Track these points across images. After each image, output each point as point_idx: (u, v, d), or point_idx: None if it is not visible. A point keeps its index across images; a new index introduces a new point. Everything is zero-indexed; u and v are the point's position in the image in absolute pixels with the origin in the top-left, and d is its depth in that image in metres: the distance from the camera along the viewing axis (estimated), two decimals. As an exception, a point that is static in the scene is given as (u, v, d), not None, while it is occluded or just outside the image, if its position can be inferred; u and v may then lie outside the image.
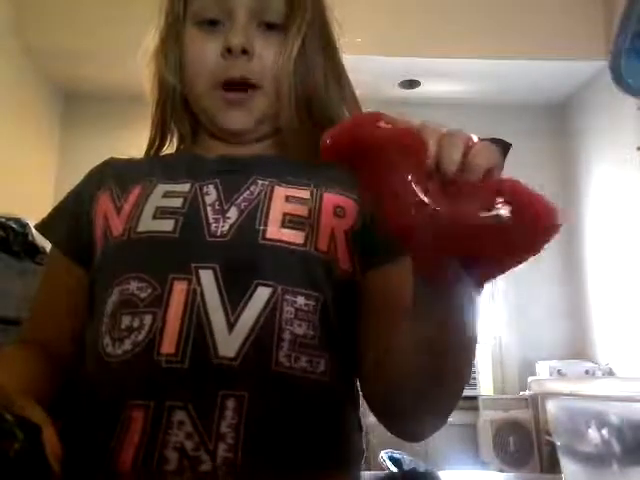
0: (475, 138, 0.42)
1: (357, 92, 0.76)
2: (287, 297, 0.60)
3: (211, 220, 0.63)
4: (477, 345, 0.53)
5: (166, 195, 0.66)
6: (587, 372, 3.11)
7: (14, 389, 0.51)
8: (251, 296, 0.59)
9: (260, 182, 0.66)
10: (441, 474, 0.70)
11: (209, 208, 0.64)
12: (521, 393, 3.32)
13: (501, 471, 2.98)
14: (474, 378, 3.32)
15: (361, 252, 0.64)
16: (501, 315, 3.55)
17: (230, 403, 0.55)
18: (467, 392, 3.21)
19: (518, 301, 3.51)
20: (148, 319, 0.58)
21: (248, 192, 0.65)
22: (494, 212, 0.39)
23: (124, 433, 0.55)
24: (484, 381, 3.47)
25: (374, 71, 2.90)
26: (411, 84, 3.43)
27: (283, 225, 0.63)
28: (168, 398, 0.55)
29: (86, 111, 3.52)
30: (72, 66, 3.23)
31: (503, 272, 0.43)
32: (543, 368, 3.24)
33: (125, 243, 0.64)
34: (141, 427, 0.55)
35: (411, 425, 0.61)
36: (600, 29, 3.00)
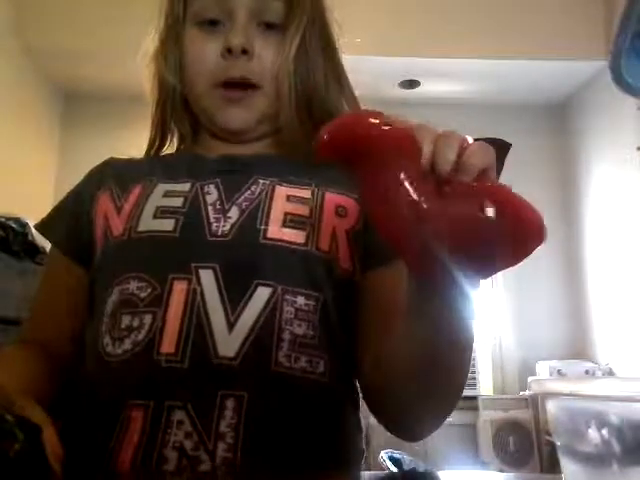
0: (470, 139, 0.42)
1: (357, 92, 0.76)
2: (287, 297, 0.60)
3: (212, 220, 0.63)
4: (474, 345, 0.52)
5: (166, 195, 0.66)
6: (587, 372, 3.11)
7: (14, 389, 0.51)
8: (251, 296, 0.59)
9: (261, 182, 0.66)
10: (441, 474, 0.71)
11: (210, 207, 0.64)
12: (521, 393, 3.32)
13: (501, 471, 2.98)
14: (474, 378, 3.32)
15: (360, 252, 0.64)
16: (501, 315, 3.55)
17: (229, 403, 0.55)
18: (467, 392, 3.20)
19: (518, 301, 3.51)
20: (148, 319, 0.58)
21: (249, 192, 0.65)
22: (484, 215, 0.39)
23: (123, 433, 0.55)
24: (484, 381, 3.47)
25: (374, 71, 2.90)
26: (411, 84, 3.43)
27: (284, 225, 0.63)
28: (167, 398, 0.55)
29: (86, 111, 3.52)
30: (72, 66, 3.23)
31: (490, 274, 0.43)
32: (543, 368, 3.24)
33: (125, 243, 0.64)
34: (140, 427, 0.55)
35: (410, 425, 0.61)
36: (600, 29, 2.99)
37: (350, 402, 0.65)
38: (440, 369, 0.52)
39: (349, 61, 0.76)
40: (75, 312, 0.68)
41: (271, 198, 0.64)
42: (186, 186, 0.66)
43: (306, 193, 0.65)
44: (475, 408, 3.21)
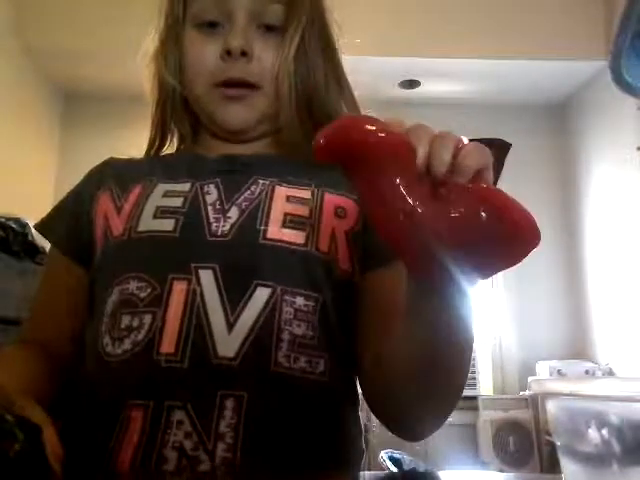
0: (465, 139, 0.42)
1: (357, 92, 0.76)
2: (286, 297, 0.60)
3: (212, 220, 0.63)
4: (473, 345, 0.53)
5: (166, 194, 0.66)
6: (587, 372, 3.11)
7: (14, 389, 0.51)
8: (251, 296, 0.59)
9: (261, 182, 0.66)
10: (441, 474, 0.71)
11: (210, 207, 0.64)
12: (521, 393, 3.32)
13: (501, 471, 2.98)
14: (474, 378, 3.32)
15: (360, 253, 0.64)
16: (501, 315, 3.56)
17: (229, 403, 0.55)
18: (467, 392, 3.20)
19: (518, 301, 3.51)
20: (148, 319, 0.58)
21: (249, 192, 0.65)
22: (477, 218, 0.39)
23: (123, 433, 0.55)
24: (484, 381, 3.47)
25: (374, 71, 2.90)
26: (411, 84, 3.43)
27: (284, 225, 0.63)
28: (167, 398, 0.55)
29: (86, 111, 3.52)
30: (72, 66, 3.23)
31: (487, 275, 0.43)
32: (543, 368, 3.24)
33: (125, 243, 0.64)
34: (140, 427, 0.55)
35: (410, 425, 0.61)
36: (600, 29, 2.99)
37: (350, 402, 0.65)
38: (440, 370, 0.52)
39: (349, 61, 0.76)
40: (75, 312, 0.68)
41: (271, 198, 0.64)
42: (186, 186, 0.66)
43: (306, 194, 0.65)
44: (475, 408, 3.21)
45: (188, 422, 0.54)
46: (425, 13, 3.12)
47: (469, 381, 3.26)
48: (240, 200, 0.64)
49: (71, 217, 0.71)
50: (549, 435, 2.88)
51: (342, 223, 0.65)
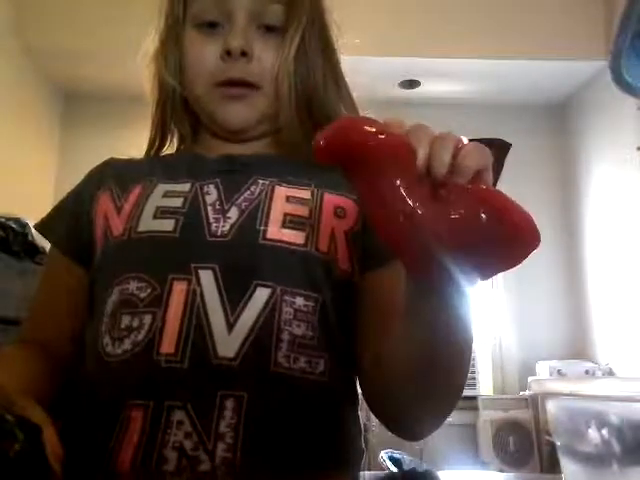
0: (465, 139, 0.42)
1: (357, 93, 0.76)
2: (286, 298, 0.60)
3: (211, 220, 0.63)
4: (472, 345, 0.52)
5: (166, 195, 0.66)
6: (587, 372, 3.11)
7: (14, 389, 0.51)
8: (250, 297, 0.59)
9: (261, 182, 0.66)
10: (441, 474, 0.70)
11: (209, 208, 0.64)
12: (521, 393, 3.32)
13: (501, 471, 2.98)
14: (474, 378, 3.32)
15: (359, 253, 0.64)
16: (501, 315, 3.56)
17: (229, 403, 0.55)
18: (467, 392, 3.20)
19: (518, 301, 3.51)
20: (148, 319, 0.58)
21: (249, 192, 0.65)
22: (477, 219, 0.39)
23: (123, 433, 0.55)
24: (484, 381, 3.47)
25: (374, 71, 2.90)
26: (411, 84, 3.43)
27: (284, 225, 0.63)
28: (167, 398, 0.55)
29: (86, 111, 3.52)
30: (72, 66, 3.23)
31: (486, 277, 0.43)
32: (543, 368, 3.24)
33: (125, 243, 0.64)
34: (140, 427, 0.55)
35: (410, 425, 0.61)
36: (600, 29, 3.00)
37: (349, 402, 0.65)
38: (438, 370, 0.52)
39: (349, 61, 0.76)
40: (75, 312, 0.68)
41: (270, 198, 0.64)
42: (186, 186, 0.66)
43: (305, 194, 0.65)
44: (475, 408, 3.22)
45: (188, 422, 0.54)
46: (425, 13, 3.12)
47: (469, 381, 3.26)
48: (240, 200, 0.64)
49: (71, 217, 0.71)
50: (549, 435, 2.88)
51: (342, 223, 0.65)
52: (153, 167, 0.72)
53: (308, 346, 0.60)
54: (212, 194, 0.65)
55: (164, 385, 0.56)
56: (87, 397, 0.60)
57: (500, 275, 3.58)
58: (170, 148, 0.78)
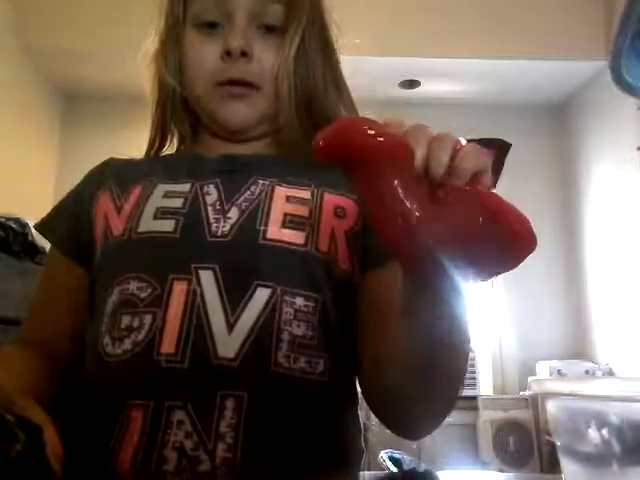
0: (464, 141, 0.42)
1: (357, 93, 0.76)
2: (286, 298, 0.60)
3: (212, 220, 0.63)
4: (469, 346, 0.53)
5: (167, 195, 0.66)
6: (587, 372, 3.11)
7: (14, 389, 0.51)
8: (251, 297, 0.59)
9: (261, 182, 0.66)
10: (441, 474, 0.70)
11: (210, 208, 0.64)
12: (521, 393, 3.32)
13: (501, 471, 2.98)
14: (474, 378, 3.32)
15: (359, 253, 0.64)
16: (501, 315, 3.56)
17: (229, 403, 0.55)
18: (467, 392, 3.21)
19: (518, 301, 3.51)
20: (148, 319, 0.58)
21: (249, 192, 0.65)
22: (474, 222, 0.39)
23: (123, 433, 0.55)
24: (484, 381, 3.47)
25: (374, 71, 2.90)
26: (411, 84, 3.43)
27: (284, 225, 0.63)
28: (167, 398, 0.55)
29: (86, 111, 3.52)
30: (72, 66, 3.23)
31: (484, 279, 0.44)
32: (543, 368, 3.24)
33: (125, 243, 0.64)
34: (140, 427, 0.55)
35: (409, 424, 0.62)
36: (600, 29, 3.00)
37: (349, 402, 0.65)
38: (436, 370, 0.52)
39: (349, 61, 0.76)
40: (75, 312, 0.68)
41: (271, 199, 0.64)
42: (186, 187, 0.66)
43: (305, 194, 0.65)
44: (475, 408, 3.21)
45: (188, 422, 0.54)
46: (425, 13, 3.12)
47: (469, 381, 3.26)
48: (240, 200, 0.64)
49: (71, 217, 0.71)
50: (549, 435, 2.88)
51: (342, 223, 0.65)
52: (153, 167, 0.72)
53: (308, 346, 0.60)
54: (212, 194, 0.65)
55: (164, 385, 0.56)
56: (87, 397, 0.60)
57: (500, 275, 3.56)
58: (170, 148, 0.78)
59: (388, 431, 0.63)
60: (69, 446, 0.48)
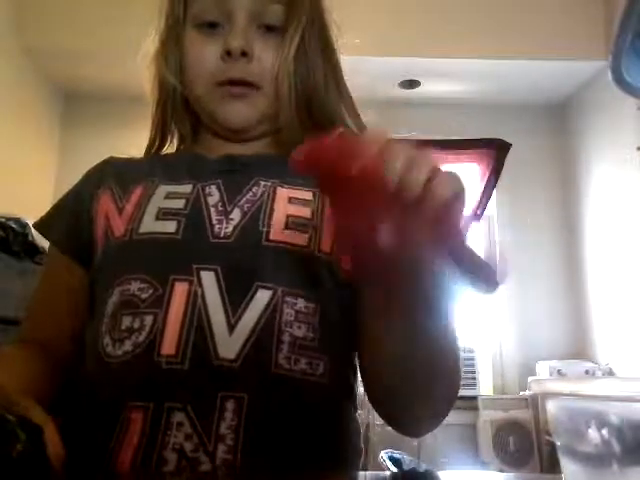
0: (441, 166, 0.40)
1: (357, 93, 0.76)
2: (287, 299, 0.60)
3: (214, 221, 0.63)
4: (458, 348, 0.55)
5: (168, 196, 0.66)
6: (587, 372, 3.11)
7: (14, 389, 0.51)
8: (252, 298, 0.59)
9: (262, 183, 0.66)
10: (441, 474, 0.70)
11: (212, 209, 0.64)
12: (521, 393, 3.32)
13: (501, 471, 2.98)
14: (474, 378, 3.32)
15: None
16: (501, 315, 3.55)
17: (230, 404, 0.55)
18: (467, 392, 3.21)
19: (518, 301, 3.51)
20: (149, 320, 0.58)
21: (251, 193, 0.65)
22: (439, 252, 0.40)
23: (123, 434, 0.55)
24: (484, 381, 3.46)
25: (374, 71, 2.90)
26: (411, 84, 3.43)
27: (286, 227, 0.63)
28: (167, 399, 0.55)
29: (86, 111, 3.52)
30: (72, 66, 3.23)
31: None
32: (543, 368, 3.24)
33: (127, 244, 0.64)
34: (140, 428, 0.55)
35: (409, 422, 0.62)
36: (600, 29, 3.00)
37: (348, 402, 0.65)
38: (427, 376, 0.54)
39: (349, 61, 0.76)
40: (75, 311, 0.68)
41: (273, 200, 0.64)
42: (187, 187, 0.66)
43: (307, 195, 0.65)
44: (475, 408, 3.21)
45: (188, 424, 0.54)
46: (425, 13, 3.12)
47: (469, 381, 3.26)
48: (242, 202, 0.64)
49: (71, 216, 0.71)
50: (549, 435, 2.88)
51: (343, 224, 0.65)
52: (153, 167, 0.72)
53: (309, 347, 0.60)
54: (214, 195, 0.65)
55: (164, 386, 0.56)
56: (87, 398, 0.60)
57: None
58: (170, 148, 0.78)
59: (390, 431, 0.63)
60: (69, 446, 0.48)
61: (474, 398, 3.23)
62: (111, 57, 2.92)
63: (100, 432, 0.56)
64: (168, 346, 0.57)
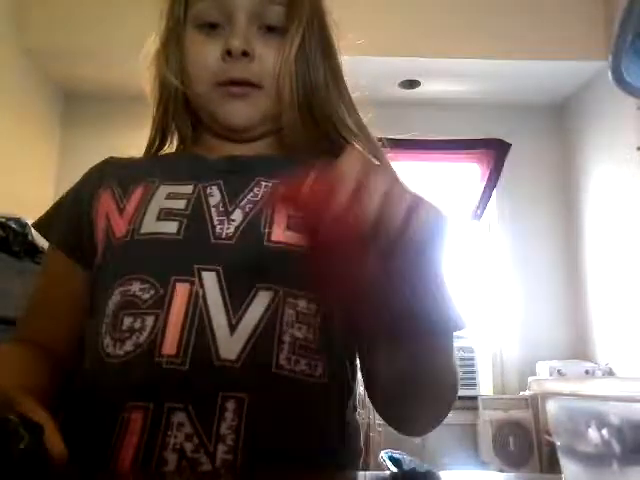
0: (421, 200, 0.40)
1: (358, 92, 0.76)
2: (289, 300, 0.60)
3: (216, 222, 0.63)
4: (453, 350, 0.56)
5: (169, 197, 0.66)
6: (587, 372, 3.11)
7: (14, 387, 0.51)
8: (253, 299, 0.59)
9: (263, 184, 0.66)
10: (441, 474, 0.70)
11: (213, 210, 0.64)
12: (521, 393, 3.32)
13: (501, 471, 2.98)
14: (474, 378, 3.32)
15: None
16: (501, 315, 3.55)
17: (230, 405, 0.55)
18: (467, 392, 3.21)
19: (518, 301, 3.51)
20: (150, 320, 0.58)
21: (252, 194, 0.65)
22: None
23: (123, 434, 0.55)
24: (484, 381, 3.46)
25: (374, 71, 2.89)
26: (411, 84, 3.43)
27: (288, 227, 0.63)
28: (168, 399, 0.55)
29: (86, 111, 3.52)
30: (72, 66, 3.23)
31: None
32: (543, 368, 3.24)
33: (128, 244, 0.64)
34: (140, 428, 0.55)
35: (409, 422, 0.63)
36: (600, 29, 3.00)
37: (348, 403, 0.65)
38: (427, 378, 0.55)
39: (349, 61, 0.76)
40: (74, 311, 0.68)
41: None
42: (188, 188, 0.66)
43: (308, 195, 0.65)
44: (475, 408, 3.21)
45: (189, 424, 0.54)
46: (425, 13, 3.12)
47: (469, 381, 3.26)
48: (244, 202, 0.64)
49: (71, 216, 0.71)
50: (549, 435, 2.88)
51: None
52: (153, 167, 0.72)
53: (309, 348, 0.60)
54: (215, 196, 0.65)
55: (165, 387, 0.56)
56: (87, 397, 0.60)
57: (500, 275, 3.59)
58: (170, 148, 0.78)
59: (390, 431, 0.64)
60: (70, 446, 0.48)
61: (474, 398, 3.24)
62: (111, 57, 2.92)
63: (100, 432, 0.56)
64: (169, 346, 0.57)
